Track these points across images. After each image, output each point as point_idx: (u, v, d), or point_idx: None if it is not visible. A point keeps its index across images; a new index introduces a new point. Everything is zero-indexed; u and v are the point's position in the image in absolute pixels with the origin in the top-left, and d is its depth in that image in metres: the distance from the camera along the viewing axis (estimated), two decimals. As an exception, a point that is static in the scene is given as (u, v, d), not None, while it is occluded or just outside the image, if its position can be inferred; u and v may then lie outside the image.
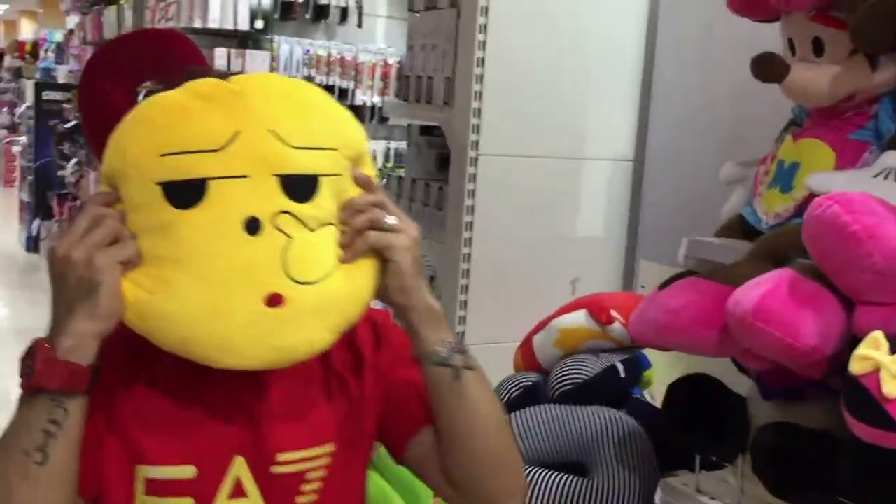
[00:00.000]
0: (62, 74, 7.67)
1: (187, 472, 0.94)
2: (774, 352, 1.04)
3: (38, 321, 5.76)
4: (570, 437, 1.61)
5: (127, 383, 0.95)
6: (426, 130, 2.34)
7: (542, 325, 1.78)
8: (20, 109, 9.46)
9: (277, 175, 0.87)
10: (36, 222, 7.68)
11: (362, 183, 0.94)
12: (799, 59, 1.25)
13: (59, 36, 8.58)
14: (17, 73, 11.10)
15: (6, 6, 14.63)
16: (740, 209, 1.38)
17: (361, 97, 3.56)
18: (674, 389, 1.40)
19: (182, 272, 0.86)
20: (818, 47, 1.22)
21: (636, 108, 2.22)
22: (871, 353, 0.88)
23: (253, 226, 0.86)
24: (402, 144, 3.08)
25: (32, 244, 7.74)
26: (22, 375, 0.89)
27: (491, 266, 2.05)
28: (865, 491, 1.09)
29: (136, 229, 0.88)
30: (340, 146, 0.93)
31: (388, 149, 3.61)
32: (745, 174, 1.44)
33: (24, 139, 8.73)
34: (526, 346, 1.81)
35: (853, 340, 0.98)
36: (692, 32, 2.06)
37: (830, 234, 0.97)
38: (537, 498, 1.53)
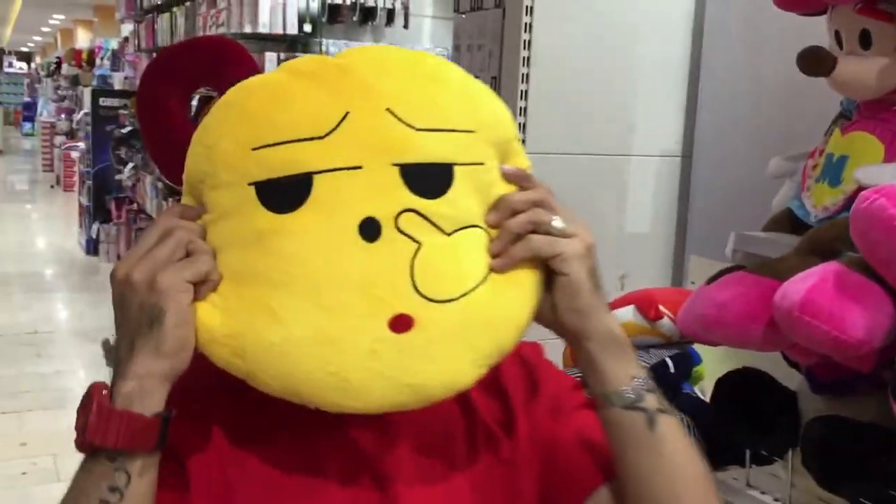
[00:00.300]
0: (118, 81, 7.87)
1: None
2: (821, 345, 1.04)
3: (98, 322, 5.94)
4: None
5: (221, 436, 0.77)
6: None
7: (590, 322, 1.79)
8: (78, 116, 9.72)
9: (398, 164, 0.70)
10: (95, 225, 7.90)
11: (514, 177, 0.76)
12: (846, 53, 1.24)
13: (114, 44, 8.80)
14: (75, 81, 11.41)
15: (62, 16, 15.03)
16: (788, 203, 1.37)
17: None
18: (722, 383, 1.40)
19: (283, 293, 0.69)
20: (865, 40, 1.21)
21: (683, 104, 2.22)
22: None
23: (371, 229, 0.69)
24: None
25: (92, 247, 7.96)
26: (77, 430, 0.70)
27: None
28: (917, 484, 1.09)
29: (225, 243, 0.72)
30: (479, 128, 0.74)
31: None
32: (794, 168, 1.44)
33: (82, 145, 8.97)
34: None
35: (902, 333, 0.98)
36: (739, 26, 2.05)
37: (877, 227, 0.97)
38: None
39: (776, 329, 1.10)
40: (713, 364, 1.79)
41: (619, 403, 0.75)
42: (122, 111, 7.34)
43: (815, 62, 1.23)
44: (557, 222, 0.74)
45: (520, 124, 1.99)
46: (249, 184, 0.71)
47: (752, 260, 1.30)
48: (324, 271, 0.69)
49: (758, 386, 1.36)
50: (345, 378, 0.68)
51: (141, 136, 2.35)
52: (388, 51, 0.76)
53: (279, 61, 3.55)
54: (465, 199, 0.73)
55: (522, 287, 0.74)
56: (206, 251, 0.72)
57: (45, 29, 17.72)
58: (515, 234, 0.74)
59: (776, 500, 1.36)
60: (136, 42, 6.80)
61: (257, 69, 1.53)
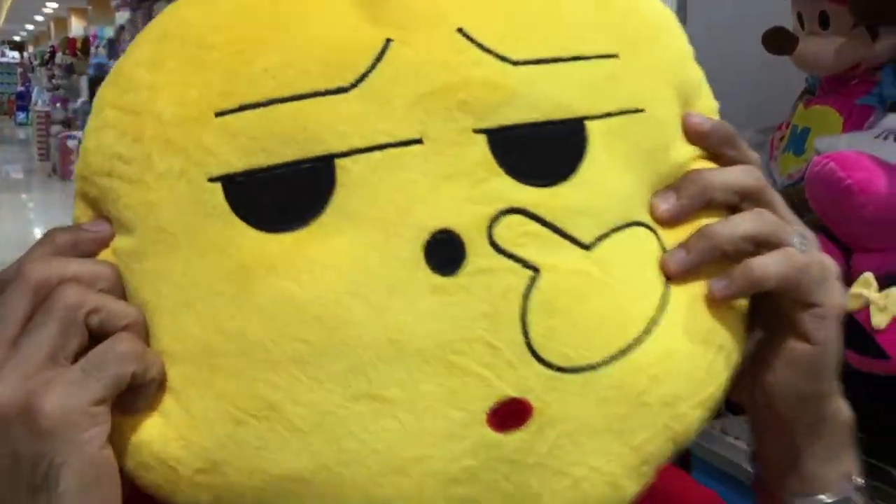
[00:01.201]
0: (114, 69, 7.94)
1: None
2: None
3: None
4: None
5: None
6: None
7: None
8: (75, 105, 9.79)
9: (484, 130, 0.39)
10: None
11: (710, 135, 0.45)
12: (807, 33, 1.36)
13: (109, 32, 8.86)
14: (69, 70, 11.46)
15: (55, 4, 15.05)
16: (758, 173, 1.49)
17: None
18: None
19: (296, 381, 0.38)
20: (824, 21, 1.33)
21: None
22: (861, 290, 1.00)
23: (446, 253, 0.38)
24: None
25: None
26: None
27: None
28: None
29: (169, 292, 0.40)
30: (628, 47, 0.42)
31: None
32: (765, 140, 1.56)
33: (79, 134, 9.04)
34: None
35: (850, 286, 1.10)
36: (722, 5, 2.16)
37: (829, 189, 1.09)
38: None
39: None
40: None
41: None
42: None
43: (777, 41, 1.35)
44: (799, 240, 0.44)
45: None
46: (211, 179, 0.39)
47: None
48: (367, 338, 0.38)
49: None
50: None
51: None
52: None
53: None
54: (611, 178, 0.41)
55: (719, 336, 0.42)
56: (128, 318, 0.39)
57: (38, 18, 17.73)
58: (721, 251, 0.42)
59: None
60: (133, 31, 6.88)
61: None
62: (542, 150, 0.40)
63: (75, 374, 0.38)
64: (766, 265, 0.42)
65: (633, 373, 0.40)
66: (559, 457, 0.39)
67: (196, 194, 0.39)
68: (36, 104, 14.64)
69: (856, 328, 1.02)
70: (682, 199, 0.43)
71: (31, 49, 17.62)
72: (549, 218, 0.40)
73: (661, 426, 0.41)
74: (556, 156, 0.41)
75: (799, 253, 0.43)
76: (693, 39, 0.49)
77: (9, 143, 15.98)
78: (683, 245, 0.43)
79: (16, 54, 18.91)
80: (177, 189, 0.39)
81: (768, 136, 1.55)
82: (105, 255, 0.42)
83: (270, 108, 0.38)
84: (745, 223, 0.43)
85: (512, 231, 0.39)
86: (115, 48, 8.17)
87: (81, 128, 7.46)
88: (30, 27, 18.83)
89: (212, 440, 0.39)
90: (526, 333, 0.39)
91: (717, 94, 0.51)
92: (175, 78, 0.40)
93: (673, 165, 0.44)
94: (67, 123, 11.21)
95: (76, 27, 13.96)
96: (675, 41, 0.46)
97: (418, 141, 0.39)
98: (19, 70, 18.40)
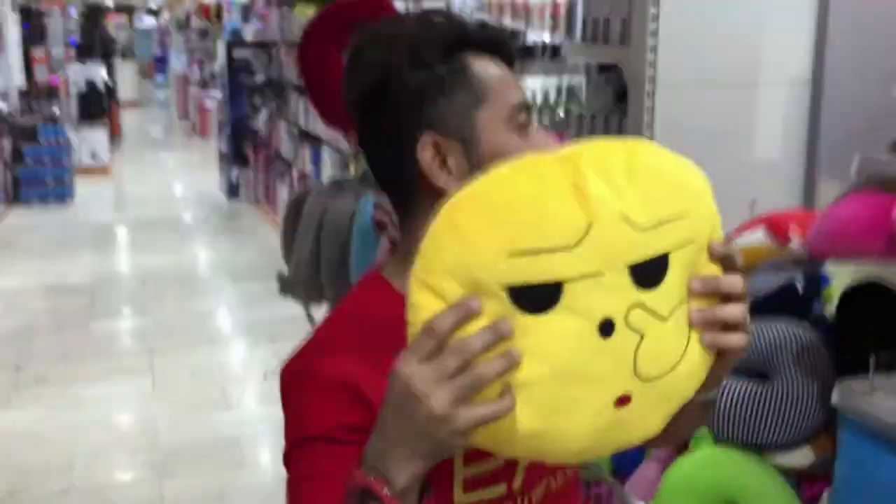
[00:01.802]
0: (248, 33, 8.18)
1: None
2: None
3: (243, 262, 6.27)
4: (752, 348, 1.72)
5: None
6: (603, 68, 2.47)
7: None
8: (213, 67, 10.17)
9: (630, 265, 0.76)
10: (234, 171, 8.30)
11: (723, 258, 0.82)
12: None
13: (243, -1, 9.10)
14: (203, 34, 11.87)
15: (189, -30, 15.51)
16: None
17: (533, 37, 3.68)
18: (847, 296, 1.49)
19: (532, 389, 0.75)
20: None
21: (813, 30, 2.25)
22: None
23: (608, 329, 0.76)
24: (573, 80, 3.20)
25: (234, 191, 8.38)
26: None
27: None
28: None
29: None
30: (688, 207, 0.79)
31: (560, 85, 3.73)
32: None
33: (217, 94, 9.43)
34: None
35: None
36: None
37: None
38: (722, 402, 1.67)
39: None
40: (844, 284, 1.86)
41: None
42: (253, 62, 7.66)
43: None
44: (748, 319, 0.82)
45: (650, 61, 2.08)
46: (505, 287, 0.73)
47: (876, 180, 1.38)
48: (569, 370, 0.75)
49: (882, 297, 1.45)
50: (578, 444, 0.79)
51: (303, 84, 2.55)
52: (608, 149, 0.79)
53: (407, 4, 3.71)
54: (677, 280, 0.78)
55: (708, 357, 0.82)
56: (513, 361, 0.74)
57: (172, -17, 18.39)
58: (724, 323, 0.81)
59: (902, 404, 1.44)
60: (264, -6, 7.07)
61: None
62: (651, 272, 0.77)
63: (488, 405, 0.76)
64: (738, 340, 0.82)
65: (673, 379, 0.81)
66: (639, 418, 0.81)
67: (494, 294, 0.74)
68: (174, 67, 15.27)
69: None
70: (706, 288, 0.81)
71: (166, 15, 18.27)
72: (652, 309, 0.78)
73: (680, 398, 0.83)
74: (656, 273, 0.78)
75: (748, 330, 0.83)
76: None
77: (150, 104, 16.74)
78: (700, 311, 0.81)
79: (153, 20, 19.68)
80: (483, 290, 0.75)
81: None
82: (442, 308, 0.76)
83: (537, 255, 0.74)
84: (736, 313, 0.81)
85: (636, 317, 0.77)
86: (248, 12, 8.41)
87: (220, 88, 7.67)
88: (165, -7, 19.57)
89: (533, 418, 0.78)
90: (635, 365, 0.78)
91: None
92: (486, 230, 0.75)
93: (701, 269, 0.81)
94: (204, 84, 11.65)
95: (209, -8, 14.41)
96: (703, 189, 0.82)
97: (600, 274, 0.75)
98: (156, 35, 19.18)
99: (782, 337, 1.69)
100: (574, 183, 0.75)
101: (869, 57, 2.08)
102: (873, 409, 1.43)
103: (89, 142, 9.39)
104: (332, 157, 5.41)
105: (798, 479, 1.60)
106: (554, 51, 3.31)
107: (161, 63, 18.27)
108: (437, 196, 0.88)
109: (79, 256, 6.58)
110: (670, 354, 0.79)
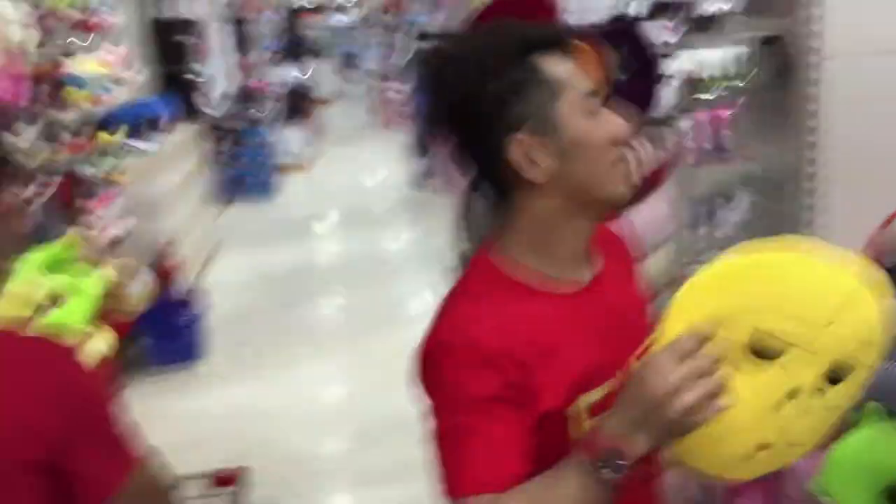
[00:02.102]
0: (433, 26, 8.32)
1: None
2: None
3: (435, 248, 6.47)
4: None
5: None
6: (767, 40, 2.43)
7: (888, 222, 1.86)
8: (395, 60, 10.48)
9: (832, 361, 0.96)
10: (421, 161, 8.53)
11: None
12: None
13: (424, -9, 9.26)
14: (391, 28, 12.26)
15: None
16: None
17: (708, 7, 3.62)
18: None
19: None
20: None
21: None
22: None
23: (794, 394, 0.97)
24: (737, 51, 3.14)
25: (420, 181, 8.62)
26: (610, 468, 0.95)
27: (846, 164, 2.11)
28: None
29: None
30: (836, 316, 0.97)
31: (724, 57, 3.65)
32: None
33: (400, 85, 9.68)
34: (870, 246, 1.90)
35: None
36: None
37: None
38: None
39: None
40: None
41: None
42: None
43: None
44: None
45: (815, 32, 2.04)
46: (747, 342, 0.96)
47: None
48: (752, 408, 0.97)
49: None
50: (727, 469, 1.02)
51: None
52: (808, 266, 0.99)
53: None
54: (849, 388, 1.00)
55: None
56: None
57: (358, -19, 19.04)
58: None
59: None
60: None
61: (554, 14, 1.81)
62: (837, 371, 0.98)
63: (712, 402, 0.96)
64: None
65: (803, 448, 1.03)
66: (770, 459, 1.02)
67: (738, 344, 0.98)
68: (364, 62, 15.84)
69: None
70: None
71: (356, 12, 19.01)
72: (827, 394, 0.99)
73: (804, 450, 1.04)
74: (838, 375, 0.98)
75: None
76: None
77: (345, 100, 17.44)
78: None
79: (343, 17, 20.52)
80: (736, 337, 0.98)
81: None
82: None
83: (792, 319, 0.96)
84: None
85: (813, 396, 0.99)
86: (435, 3, 8.55)
87: (404, 79, 7.87)
88: (352, -9, 20.34)
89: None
90: (789, 427, 0.99)
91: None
92: (771, 301, 0.98)
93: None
94: (388, 77, 12.02)
95: (392, -13, 14.82)
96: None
97: (815, 353, 0.97)
98: (348, 32, 19.93)
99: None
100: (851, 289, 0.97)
101: None
102: None
103: (290, 140, 9.97)
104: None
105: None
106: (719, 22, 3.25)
107: (353, 59, 18.98)
108: (530, 187, 1.05)
109: (284, 247, 7.02)
110: (814, 434, 1.00)
